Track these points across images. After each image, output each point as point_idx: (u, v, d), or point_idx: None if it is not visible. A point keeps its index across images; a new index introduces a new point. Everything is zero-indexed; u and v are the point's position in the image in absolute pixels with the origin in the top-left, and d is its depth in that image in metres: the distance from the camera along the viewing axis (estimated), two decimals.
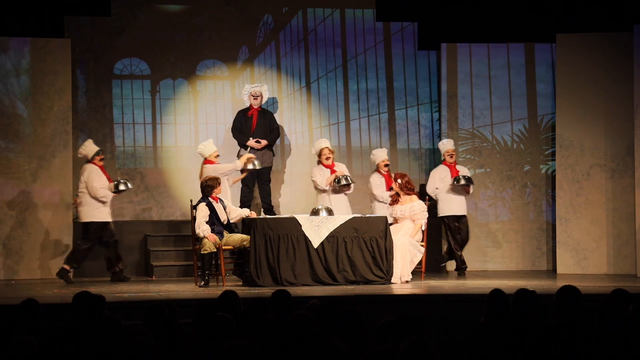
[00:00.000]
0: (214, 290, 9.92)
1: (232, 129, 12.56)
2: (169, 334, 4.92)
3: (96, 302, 5.95)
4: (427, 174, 13.14)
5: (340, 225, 10.75)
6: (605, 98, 12.54)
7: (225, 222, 10.90)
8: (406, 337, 4.40)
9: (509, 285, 10.11)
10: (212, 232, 10.70)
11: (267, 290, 9.48)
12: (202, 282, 10.65)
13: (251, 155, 12.00)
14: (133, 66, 13.06)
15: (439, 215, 12.36)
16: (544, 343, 5.11)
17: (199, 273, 10.81)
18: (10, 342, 4.41)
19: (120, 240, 12.36)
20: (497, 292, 5.80)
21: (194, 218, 10.85)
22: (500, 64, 13.29)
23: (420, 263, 11.24)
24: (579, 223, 12.54)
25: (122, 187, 11.59)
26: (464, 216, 12.34)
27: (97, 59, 12.88)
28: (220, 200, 10.98)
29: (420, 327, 4.88)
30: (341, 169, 11.93)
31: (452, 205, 12.26)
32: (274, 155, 12.65)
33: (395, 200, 11.34)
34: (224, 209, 10.95)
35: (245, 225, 11.24)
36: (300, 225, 10.68)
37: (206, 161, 11.61)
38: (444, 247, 12.69)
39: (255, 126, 12.44)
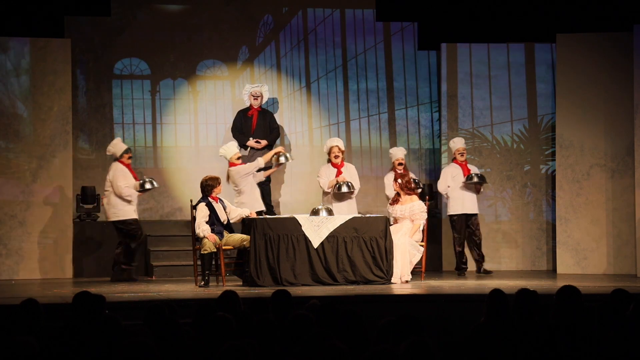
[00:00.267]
0: (214, 290, 9.92)
1: (232, 128, 12.56)
2: (169, 334, 4.92)
3: (96, 302, 5.95)
4: (427, 174, 13.15)
5: (340, 225, 10.75)
6: (605, 98, 12.54)
7: (225, 222, 10.90)
8: (406, 337, 4.40)
9: (509, 285, 10.11)
10: (212, 232, 10.70)
11: (267, 290, 9.47)
12: (202, 282, 10.65)
13: (280, 148, 11.89)
14: (133, 66, 13.06)
15: (448, 214, 12.33)
16: (544, 343, 5.11)
17: (199, 273, 10.81)
18: (10, 342, 4.41)
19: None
20: (497, 292, 5.80)
21: (193, 218, 10.85)
22: (500, 64, 13.29)
23: (419, 263, 11.24)
24: (579, 223, 12.54)
25: (147, 185, 11.57)
26: (475, 215, 12.30)
27: (97, 59, 12.88)
28: (220, 200, 10.98)
29: (420, 327, 4.88)
30: (350, 170, 11.87)
31: (463, 203, 12.20)
32: None
33: (395, 200, 11.34)
34: (224, 209, 10.94)
35: (245, 225, 11.24)
36: (300, 225, 10.68)
37: (230, 164, 11.53)
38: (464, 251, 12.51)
39: (255, 126, 12.44)
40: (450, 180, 12.27)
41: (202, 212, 10.74)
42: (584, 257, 12.49)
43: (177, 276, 12.02)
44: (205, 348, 4.94)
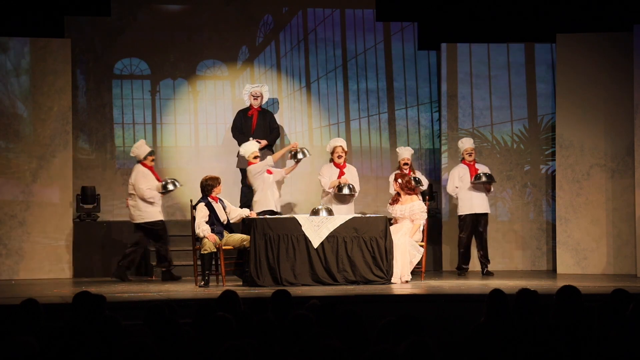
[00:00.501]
0: (214, 290, 9.92)
1: (232, 128, 12.56)
2: (169, 334, 4.92)
3: (96, 302, 5.96)
4: (427, 174, 13.14)
5: (340, 225, 10.75)
6: (605, 98, 12.54)
7: (225, 222, 10.89)
8: (406, 337, 4.40)
9: (509, 285, 10.11)
10: (212, 232, 10.70)
11: (267, 290, 9.48)
12: (202, 282, 10.65)
13: (294, 144, 11.83)
14: (133, 66, 13.06)
15: (458, 214, 12.30)
16: (544, 343, 5.11)
17: (199, 273, 10.81)
18: (10, 342, 4.41)
19: (121, 240, 12.37)
20: (497, 292, 5.80)
21: (193, 218, 10.85)
22: (500, 64, 13.28)
23: (419, 263, 11.23)
24: (579, 223, 12.54)
25: (170, 186, 11.55)
26: (485, 214, 12.27)
27: (97, 59, 12.88)
28: (220, 200, 10.98)
29: (420, 327, 4.88)
30: (351, 172, 11.87)
31: (472, 203, 12.17)
32: None
33: (395, 200, 11.34)
34: (224, 209, 10.94)
35: (245, 225, 11.24)
36: (300, 225, 10.67)
37: (248, 163, 11.52)
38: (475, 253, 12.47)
39: (255, 126, 12.44)
40: (458, 180, 12.24)
41: (202, 212, 10.74)
42: (584, 257, 12.49)
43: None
44: (205, 348, 4.94)
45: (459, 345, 4.83)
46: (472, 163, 12.24)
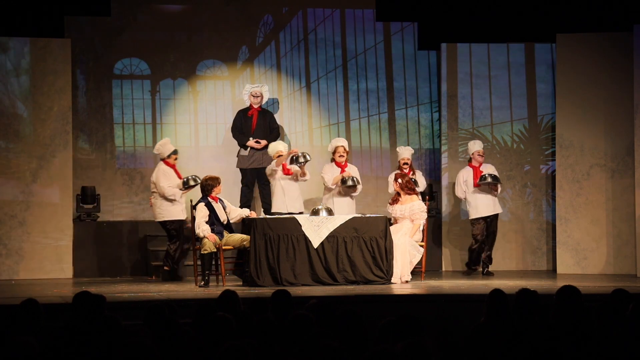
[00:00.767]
0: (214, 290, 9.92)
1: (232, 128, 12.56)
2: (169, 334, 4.92)
3: (96, 302, 5.95)
4: (427, 174, 13.14)
5: (340, 225, 10.75)
6: (605, 98, 12.54)
7: (225, 222, 10.90)
8: (406, 337, 4.40)
9: (509, 285, 10.11)
10: (212, 232, 10.70)
11: (267, 290, 9.47)
12: (202, 282, 10.65)
13: (294, 150, 11.83)
14: (133, 66, 13.06)
15: (470, 218, 12.25)
16: (544, 343, 5.11)
17: (199, 273, 10.81)
18: (10, 342, 4.41)
19: (121, 240, 12.37)
20: (497, 292, 5.80)
21: (193, 218, 10.85)
22: (500, 64, 13.28)
23: (419, 263, 11.23)
24: (579, 223, 12.54)
25: (191, 182, 11.51)
26: (495, 215, 12.22)
27: (97, 59, 12.88)
28: (220, 200, 10.98)
29: (420, 327, 4.88)
30: (352, 170, 11.89)
31: (477, 206, 12.10)
32: None
33: (395, 199, 11.34)
34: (224, 209, 10.95)
35: (245, 225, 11.24)
36: (300, 225, 10.68)
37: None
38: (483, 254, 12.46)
39: (255, 126, 12.44)
40: (463, 184, 12.21)
41: (202, 212, 10.74)
42: (584, 257, 12.49)
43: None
44: (205, 348, 4.94)
45: (459, 345, 4.83)
46: (478, 166, 12.18)
